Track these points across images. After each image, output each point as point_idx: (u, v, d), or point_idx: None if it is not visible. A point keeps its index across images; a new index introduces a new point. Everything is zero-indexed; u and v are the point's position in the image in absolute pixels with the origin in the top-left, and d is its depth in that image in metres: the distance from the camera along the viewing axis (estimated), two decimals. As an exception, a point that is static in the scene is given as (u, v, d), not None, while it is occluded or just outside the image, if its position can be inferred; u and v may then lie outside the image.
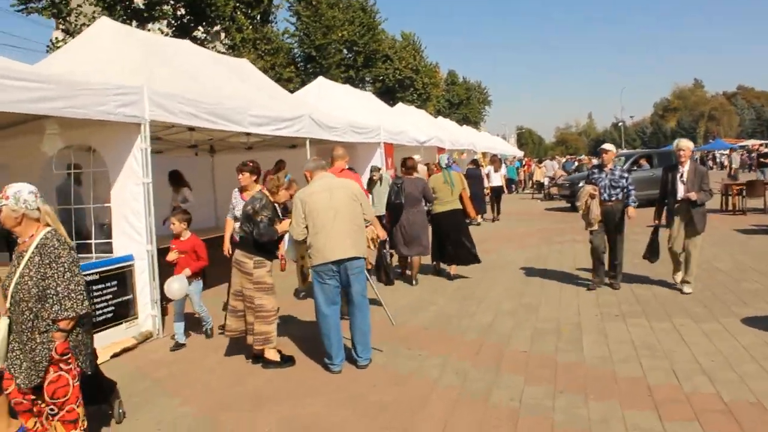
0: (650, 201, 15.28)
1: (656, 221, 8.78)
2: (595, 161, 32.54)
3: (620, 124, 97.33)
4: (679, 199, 8.30)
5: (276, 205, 6.19)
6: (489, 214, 20.16)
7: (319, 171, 6.08)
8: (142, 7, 21.56)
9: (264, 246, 6.06)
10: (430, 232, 10.15)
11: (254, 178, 7.50)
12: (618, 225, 8.61)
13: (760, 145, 53.09)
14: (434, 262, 10.55)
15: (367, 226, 6.13)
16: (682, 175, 8.31)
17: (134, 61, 8.59)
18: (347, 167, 8.64)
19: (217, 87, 9.90)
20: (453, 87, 68.73)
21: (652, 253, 8.89)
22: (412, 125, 20.23)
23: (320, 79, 18.45)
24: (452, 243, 9.89)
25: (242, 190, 7.60)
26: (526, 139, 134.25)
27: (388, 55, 44.67)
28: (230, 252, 7.41)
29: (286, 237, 6.52)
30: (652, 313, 7.42)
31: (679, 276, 8.60)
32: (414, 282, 9.82)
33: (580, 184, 9.16)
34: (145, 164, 7.19)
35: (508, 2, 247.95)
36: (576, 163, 34.92)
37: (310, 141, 11.92)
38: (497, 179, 20.56)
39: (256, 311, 6.05)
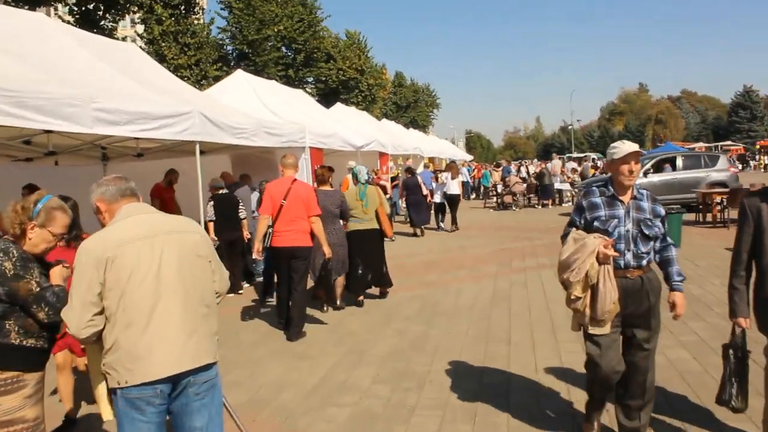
0: (686, 205, 13.37)
1: (739, 322, 3.86)
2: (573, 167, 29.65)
3: (570, 127, 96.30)
4: None
5: (41, 257, 3.38)
6: (434, 224, 18.73)
7: (127, 200, 3.18)
8: (34, -12, 18.51)
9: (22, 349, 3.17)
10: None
11: None
12: (651, 317, 4.04)
13: (707, 148, 52.08)
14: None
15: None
16: None
17: None
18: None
19: (62, 73, 7.13)
20: (400, 89, 66.90)
21: (738, 392, 3.88)
22: (349, 128, 17.60)
23: (238, 72, 15.66)
24: (364, 265, 8.76)
25: None
26: (474, 143, 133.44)
27: (331, 55, 42.29)
28: None
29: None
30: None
31: None
32: (335, 307, 8.73)
33: (568, 234, 4.13)
34: None
35: (457, 3, 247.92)
36: (513, 169, 31.33)
37: (213, 147, 9.53)
38: (454, 187, 18.58)
39: None
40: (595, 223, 4.00)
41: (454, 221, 18.45)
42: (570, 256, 3.90)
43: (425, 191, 17.83)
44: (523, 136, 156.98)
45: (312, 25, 37.45)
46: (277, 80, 24.57)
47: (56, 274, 3.33)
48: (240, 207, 10.19)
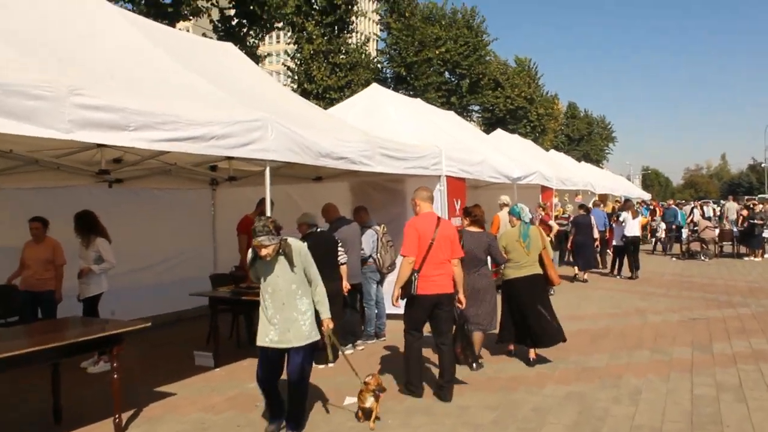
0: None
1: None
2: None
3: (763, 165, 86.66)
4: None
5: None
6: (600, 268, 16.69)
7: None
8: (167, 1, 17.42)
9: None
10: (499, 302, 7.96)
11: None
12: None
13: None
14: (504, 343, 8.19)
15: None
16: None
17: None
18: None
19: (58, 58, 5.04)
20: (573, 121, 63.13)
21: None
22: (506, 157, 14.78)
23: (373, 86, 13.36)
24: (532, 318, 7.67)
25: None
26: (651, 181, 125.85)
27: (499, 81, 39.70)
28: None
29: None
30: None
31: None
32: (474, 366, 7.51)
33: None
34: None
35: (635, 32, 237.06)
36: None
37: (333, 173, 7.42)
38: (634, 228, 16.22)
39: None
40: None
41: (635, 266, 16.13)
42: None
43: (596, 234, 15.99)
44: (706, 174, 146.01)
45: (477, 48, 35.03)
46: (437, 107, 22.21)
47: None
48: (339, 249, 7.91)
